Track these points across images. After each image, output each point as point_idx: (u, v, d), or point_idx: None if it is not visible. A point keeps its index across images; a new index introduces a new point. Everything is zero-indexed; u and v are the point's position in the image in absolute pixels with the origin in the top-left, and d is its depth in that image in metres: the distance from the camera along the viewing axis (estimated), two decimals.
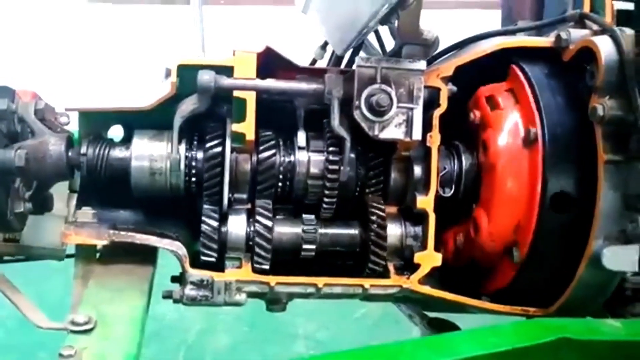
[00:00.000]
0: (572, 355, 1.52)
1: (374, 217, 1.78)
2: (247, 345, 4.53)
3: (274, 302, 1.85)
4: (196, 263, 1.74)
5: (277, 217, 1.82)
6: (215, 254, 1.75)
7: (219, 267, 1.75)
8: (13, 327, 4.22)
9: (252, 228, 1.76)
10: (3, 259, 2.12)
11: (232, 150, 1.76)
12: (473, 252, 1.81)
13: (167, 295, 1.77)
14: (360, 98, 1.67)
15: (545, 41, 1.84)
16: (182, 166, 1.76)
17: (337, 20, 2.00)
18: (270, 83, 1.73)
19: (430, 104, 1.76)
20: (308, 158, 1.80)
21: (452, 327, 2.02)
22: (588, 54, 1.66)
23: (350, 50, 2.15)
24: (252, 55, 1.75)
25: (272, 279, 1.73)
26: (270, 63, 1.80)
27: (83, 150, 1.77)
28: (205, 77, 1.66)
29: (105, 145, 1.80)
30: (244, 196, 1.82)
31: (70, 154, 1.76)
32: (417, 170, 1.81)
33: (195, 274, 1.71)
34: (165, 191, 1.78)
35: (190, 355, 4.48)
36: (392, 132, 1.70)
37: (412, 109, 1.70)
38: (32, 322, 1.65)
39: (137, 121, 1.80)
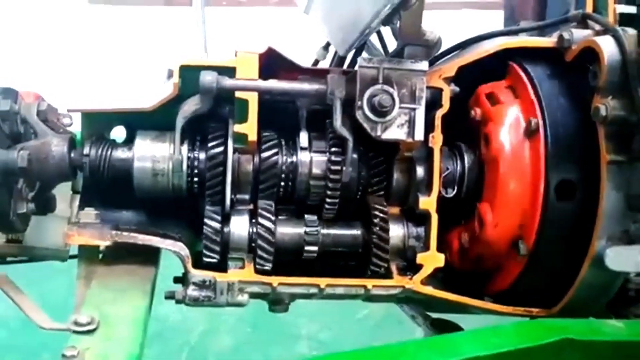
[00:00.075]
0: (575, 355, 1.52)
1: (376, 218, 1.77)
2: (250, 346, 4.53)
3: (277, 302, 1.85)
4: (199, 264, 1.74)
5: (280, 217, 1.82)
6: (217, 255, 1.75)
7: (221, 267, 1.75)
8: (16, 328, 4.22)
9: (254, 229, 1.76)
10: (6, 260, 2.13)
11: (235, 150, 1.76)
12: (479, 250, 1.80)
13: (170, 296, 1.77)
14: (362, 98, 1.67)
15: (547, 41, 1.84)
16: (185, 167, 1.76)
17: (339, 20, 2.00)
18: (273, 84, 1.74)
19: (433, 104, 1.76)
20: (310, 159, 1.80)
21: (455, 327, 2.01)
22: (591, 54, 1.66)
23: (353, 51, 2.15)
24: (254, 56, 1.75)
25: (275, 280, 1.73)
26: (273, 64, 1.80)
27: (86, 151, 1.78)
28: (208, 78, 1.66)
29: (108, 146, 1.80)
30: (247, 197, 1.82)
31: (72, 154, 1.76)
32: (420, 170, 1.81)
33: (197, 274, 1.71)
34: (168, 192, 1.78)
35: (193, 356, 4.48)
36: (395, 132, 1.70)
37: (414, 109, 1.70)
38: (35, 323, 1.65)
39: (139, 122, 1.81)
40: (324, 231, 1.82)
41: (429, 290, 1.78)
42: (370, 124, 1.69)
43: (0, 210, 1.73)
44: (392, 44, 2.05)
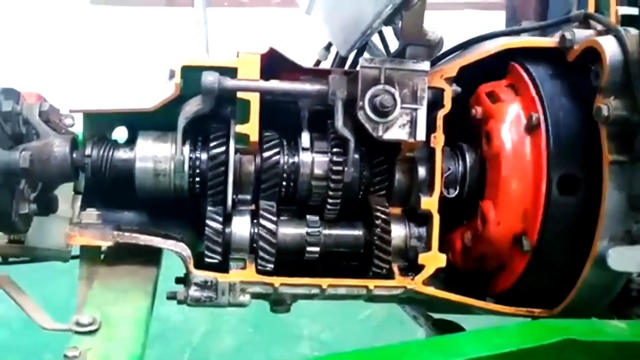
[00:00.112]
0: (577, 356, 1.52)
1: (378, 219, 1.77)
2: (252, 346, 4.54)
3: (278, 303, 1.85)
4: (200, 264, 1.74)
5: (281, 218, 1.82)
6: (219, 255, 1.75)
7: (223, 268, 1.75)
8: (18, 328, 4.23)
9: (256, 229, 1.76)
10: (8, 260, 2.13)
11: (236, 151, 1.76)
12: (482, 248, 1.79)
13: (171, 296, 1.77)
14: (364, 99, 1.67)
15: (549, 41, 1.84)
16: (186, 167, 1.77)
17: (340, 21, 2.00)
18: (274, 84, 1.74)
19: (434, 104, 1.76)
20: (312, 159, 1.80)
21: (457, 328, 2.01)
22: (593, 54, 1.65)
23: (354, 51, 2.15)
24: (256, 56, 1.75)
25: (276, 280, 1.73)
26: (274, 64, 1.80)
27: (87, 151, 1.78)
28: (209, 79, 1.67)
29: (110, 146, 1.80)
30: (248, 197, 1.82)
31: (74, 155, 1.76)
32: (422, 171, 1.81)
33: (199, 275, 1.71)
34: (169, 192, 1.79)
35: (195, 357, 4.48)
36: (396, 132, 1.70)
37: (416, 109, 1.70)
38: (37, 323, 1.65)
39: (141, 122, 1.81)
40: (326, 232, 1.82)
41: (431, 290, 1.78)
42: (372, 124, 1.68)
43: (3, 211, 1.74)
44: (393, 44, 2.05)
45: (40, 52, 7.34)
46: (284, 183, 1.81)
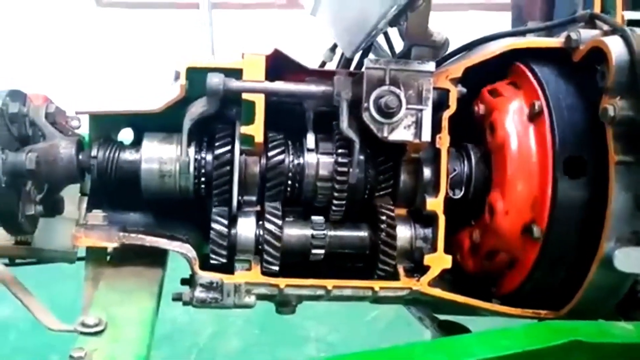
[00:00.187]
0: (584, 358, 1.51)
1: (383, 219, 1.77)
2: (258, 347, 4.54)
3: (284, 304, 1.85)
4: (206, 265, 1.74)
5: (287, 219, 1.82)
6: (224, 257, 1.75)
7: (228, 269, 1.76)
8: (25, 329, 4.25)
9: (261, 230, 1.76)
10: (15, 262, 2.14)
11: (241, 152, 1.76)
12: (491, 242, 1.78)
13: (177, 298, 1.77)
14: (369, 100, 1.67)
15: (555, 42, 1.83)
16: (192, 168, 1.77)
17: (346, 22, 2.00)
18: (279, 85, 1.74)
19: (440, 105, 1.76)
20: (317, 160, 1.80)
21: (463, 329, 2.01)
22: (599, 54, 1.65)
23: (360, 52, 2.15)
24: (261, 57, 1.75)
25: (282, 282, 1.73)
26: (279, 65, 1.81)
27: (93, 153, 1.78)
28: (215, 80, 1.67)
29: (116, 148, 1.80)
30: (253, 198, 1.82)
31: (80, 157, 1.77)
32: (427, 172, 1.81)
33: (204, 276, 1.72)
34: (175, 193, 1.79)
35: (202, 358, 4.49)
36: (401, 133, 1.70)
37: (421, 110, 1.70)
38: (43, 324, 1.66)
39: (146, 124, 1.81)
40: (331, 233, 1.82)
41: (437, 291, 1.78)
42: (377, 125, 1.68)
43: (9, 212, 1.74)
44: (399, 45, 2.05)
45: (47, 54, 7.38)
46: (289, 184, 1.81)
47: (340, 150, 1.78)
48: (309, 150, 1.80)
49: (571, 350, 1.49)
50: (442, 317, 2.10)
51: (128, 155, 1.80)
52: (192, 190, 1.79)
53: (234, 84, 1.69)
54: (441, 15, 2.21)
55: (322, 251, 1.79)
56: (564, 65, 1.78)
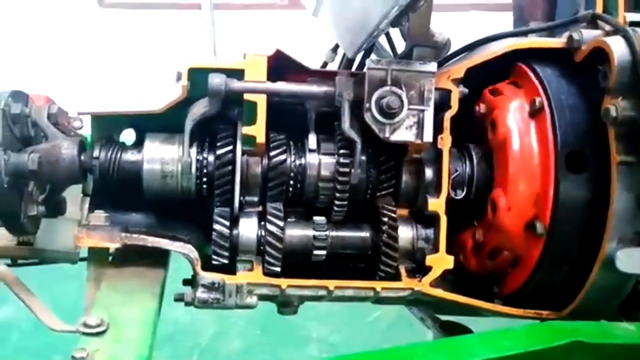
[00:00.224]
0: (586, 358, 1.51)
1: (385, 220, 1.77)
2: (260, 348, 4.55)
3: (285, 304, 1.85)
4: (207, 266, 1.74)
5: (288, 219, 1.82)
6: (226, 257, 1.75)
7: (230, 269, 1.76)
8: (28, 330, 4.26)
9: (263, 231, 1.76)
10: (17, 262, 2.14)
11: (243, 153, 1.77)
12: (495, 240, 1.77)
13: (179, 298, 1.77)
14: (370, 100, 1.67)
15: (557, 42, 1.83)
16: (194, 169, 1.77)
17: (347, 22, 2.00)
18: (281, 86, 1.74)
19: (441, 106, 1.76)
20: (319, 161, 1.80)
21: (465, 330, 2.01)
22: (601, 54, 1.65)
23: (361, 53, 2.15)
24: (263, 58, 1.76)
25: (284, 282, 1.73)
26: (281, 66, 1.81)
27: (95, 153, 1.79)
28: (216, 81, 1.67)
29: (118, 148, 1.81)
30: (255, 199, 1.82)
31: (82, 157, 1.77)
32: (429, 172, 1.81)
33: (206, 276, 1.72)
34: (177, 194, 1.79)
35: (204, 359, 4.49)
36: (403, 134, 1.70)
37: (422, 111, 1.70)
38: (46, 325, 1.66)
39: (148, 124, 1.82)
40: (333, 233, 1.82)
41: (438, 292, 1.78)
42: (379, 126, 1.68)
43: (11, 213, 1.75)
44: (400, 46, 2.05)
45: (49, 54, 7.39)
46: (291, 185, 1.81)
47: (342, 151, 1.78)
48: (311, 150, 1.80)
49: (573, 351, 1.49)
50: (444, 317, 2.10)
51: (130, 156, 1.80)
52: (194, 190, 1.80)
53: (235, 84, 1.69)
54: (443, 15, 2.21)
55: (323, 252, 1.79)
56: (566, 65, 1.78)
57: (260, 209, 1.82)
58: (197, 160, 1.78)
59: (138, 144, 1.83)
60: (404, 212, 1.86)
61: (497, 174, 1.78)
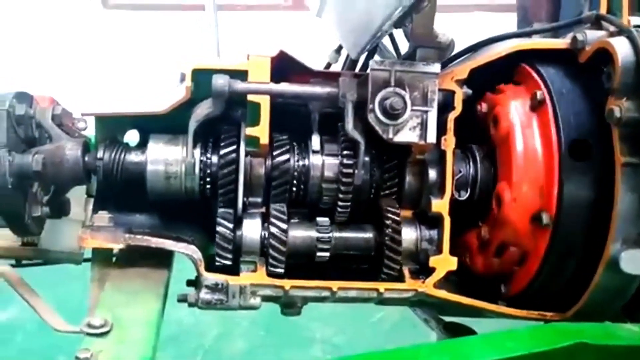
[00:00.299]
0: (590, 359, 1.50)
1: (388, 221, 1.77)
2: (264, 349, 4.55)
3: (289, 305, 1.85)
4: (211, 267, 1.75)
5: (292, 220, 1.82)
6: (230, 258, 1.75)
7: (233, 270, 1.76)
8: (32, 331, 4.27)
9: (266, 232, 1.76)
10: (21, 263, 2.15)
11: (247, 154, 1.77)
12: (501, 235, 1.76)
13: (182, 299, 1.78)
14: (374, 101, 1.67)
15: (560, 43, 1.83)
16: (197, 170, 1.77)
17: (351, 23, 2.00)
18: (284, 87, 1.74)
19: (445, 107, 1.76)
20: (322, 162, 1.80)
21: (468, 331, 2.00)
22: (605, 55, 1.64)
23: (365, 54, 2.15)
24: (266, 59, 1.76)
25: (287, 283, 1.73)
26: (285, 67, 1.81)
27: (99, 154, 1.79)
28: (220, 82, 1.67)
29: (121, 149, 1.81)
30: (259, 200, 1.82)
31: (86, 158, 1.78)
32: (432, 173, 1.80)
33: (210, 277, 1.72)
34: (181, 195, 1.79)
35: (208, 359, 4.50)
36: (407, 135, 1.70)
37: (426, 111, 1.70)
38: (50, 325, 1.66)
39: (152, 125, 1.82)
40: (336, 234, 1.82)
41: (442, 293, 1.77)
42: (382, 127, 1.68)
43: (16, 214, 1.75)
44: (404, 47, 2.05)
45: (53, 55, 7.41)
46: (295, 185, 1.81)
47: (345, 152, 1.78)
48: (314, 151, 1.81)
49: (577, 353, 1.49)
50: (447, 318, 2.10)
51: (134, 157, 1.80)
52: (197, 191, 1.80)
53: (239, 85, 1.69)
54: (447, 16, 2.20)
55: (327, 253, 1.79)
56: (570, 66, 1.77)
57: (263, 209, 1.83)
58: (201, 161, 1.78)
59: (142, 145, 1.83)
60: (407, 213, 1.86)
61: (500, 169, 1.78)
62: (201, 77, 1.73)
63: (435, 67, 1.71)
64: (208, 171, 1.79)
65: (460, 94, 1.77)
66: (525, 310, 1.80)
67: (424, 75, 1.70)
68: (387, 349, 1.54)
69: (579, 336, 1.50)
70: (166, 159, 1.77)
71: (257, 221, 1.79)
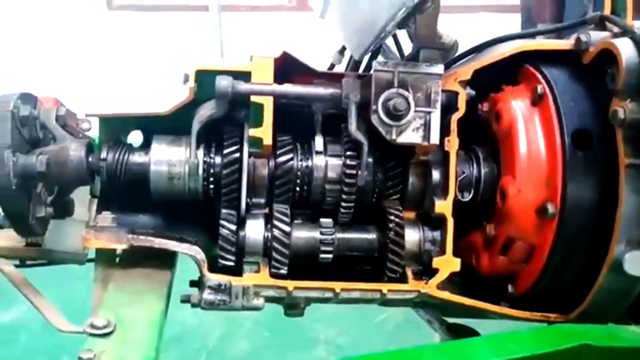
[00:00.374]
0: None
1: (391, 222, 1.77)
2: (267, 350, 4.55)
3: (292, 306, 1.85)
4: (214, 267, 1.75)
5: (295, 221, 1.82)
6: (233, 259, 1.75)
7: (237, 271, 1.76)
8: (37, 331, 4.28)
9: (269, 233, 1.77)
10: (25, 263, 2.16)
11: (250, 154, 1.77)
12: (506, 230, 1.75)
13: (185, 300, 1.78)
14: (377, 102, 1.67)
15: (564, 44, 1.82)
16: (200, 171, 1.77)
17: (354, 24, 2.00)
18: (288, 88, 1.74)
19: (448, 108, 1.75)
20: (325, 162, 1.80)
21: (472, 332, 2.00)
22: (609, 56, 1.64)
23: (368, 55, 2.14)
24: (270, 60, 1.76)
25: (290, 284, 1.73)
26: (288, 68, 1.81)
27: (103, 155, 1.79)
28: (223, 83, 1.67)
29: (125, 150, 1.81)
30: (262, 201, 1.82)
31: (90, 159, 1.78)
32: (436, 174, 1.80)
33: (213, 278, 1.72)
34: (184, 195, 1.80)
35: None
36: (410, 136, 1.70)
37: (429, 113, 1.70)
38: (53, 326, 1.67)
39: (156, 126, 1.82)
40: (340, 235, 1.81)
41: (445, 294, 1.77)
42: (386, 128, 1.68)
43: (20, 214, 1.76)
44: (407, 48, 2.05)
45: (58, 56, 7.44)
46: (298, 186, 1.81)
47: (348, 153, 1.78)
48: (318, 152, 1.81)
49: (581, 354, 1.48)
50: (450, 320, 2.10)
51: (137, 158, 1.81)
52: (201, 192, 1.80)
53: (242, 86, 1.70)
54: (451, 17, 2.20)
55: (330, 254, 1.79)
56: (574, 67, 1.77)
57: (266, 210, 1.83)
58: (204, 162, 1.78)
59: (145, 146, 1.84)
60: (410, 214, 1.86)
61: (503, 163, 1.78)
62: (204, 78, 1.73)
63: (439, 68, 1.71)
64: (211, 172, 1.79)
65: (463, 95, 1.77)
66: (528, 311, 1.80)
67: (428, 76, 1.70)
68: (391, 350, 1.54)
69: (583, 338, 1.49)
70: (169, 159, 1.77)
71: (260, 222, 1.79)
